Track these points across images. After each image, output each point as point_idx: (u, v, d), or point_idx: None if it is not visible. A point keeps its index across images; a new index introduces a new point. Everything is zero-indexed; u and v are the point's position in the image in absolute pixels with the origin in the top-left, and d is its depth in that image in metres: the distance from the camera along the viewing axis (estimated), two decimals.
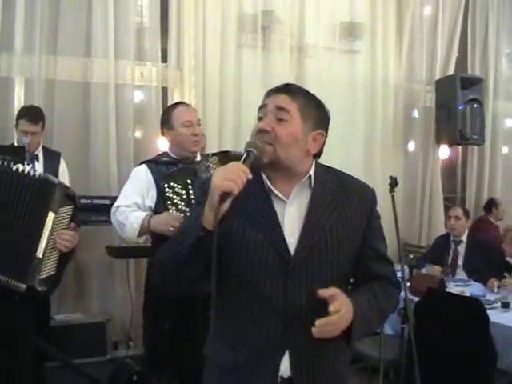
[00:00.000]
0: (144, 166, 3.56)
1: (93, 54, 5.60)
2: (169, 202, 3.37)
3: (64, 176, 4.86)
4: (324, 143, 1.99)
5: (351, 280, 2.05)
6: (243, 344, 1.89)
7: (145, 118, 5.97)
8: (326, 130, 1.99)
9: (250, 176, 1.77)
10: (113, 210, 3.56)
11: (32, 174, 2.80)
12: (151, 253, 3.46)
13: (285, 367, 1.88)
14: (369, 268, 2.01)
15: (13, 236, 2.70)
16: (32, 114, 4.66)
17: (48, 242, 2.72)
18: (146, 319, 3.85)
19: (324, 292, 1.77)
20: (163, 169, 3.52)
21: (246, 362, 1.88)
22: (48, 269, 2.76)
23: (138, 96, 5.99)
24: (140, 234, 3.47)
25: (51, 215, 2.72)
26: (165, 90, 5.99)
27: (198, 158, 3.64)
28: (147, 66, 5.90)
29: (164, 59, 5.98)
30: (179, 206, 3.39)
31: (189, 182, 3.40)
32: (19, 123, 4.60)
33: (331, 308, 1.74)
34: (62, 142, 5.38)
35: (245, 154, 1.82)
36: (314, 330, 1.75)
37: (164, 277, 1.95)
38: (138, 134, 5.94)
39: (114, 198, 4.65)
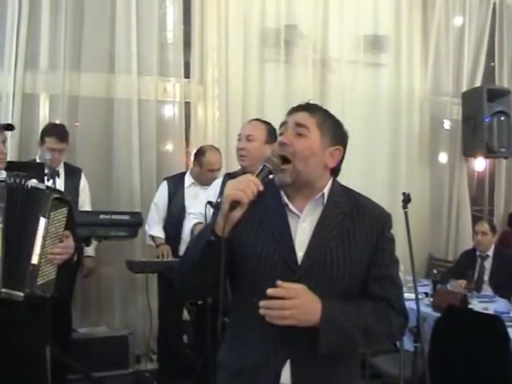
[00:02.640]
0: (221, 178, 3.79)
1: (116, 69, 5.66)
2: None
3: (85, 191, 4.94)
4: (342, 160, 2.04)
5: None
6: (248, 351, 1.95)
7: (168, 133, 6.00)
8: (344, 147, 2.04)
9: (262, 188, 1.86)
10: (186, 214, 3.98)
11: (21, 184, 2.80)
12: None
13: (287, 375, 1.91)
14: (371, 287, 2.00)
15: (4, 246, 2.72)
16: (59, 132, 4.78)
17: (43, 248, 2.74)
18: None
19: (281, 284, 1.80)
20: None
21: (250, 368, 1.94)
22: (46, 274, 2.77)
23: (161, 111, 6.02)
24: None
25: (42, 221, 2.74)
26: (188, 105, 6.02)
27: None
28: (170, 81, 5.94)
29: (187, 74, 6.00)
30: None
31: None
32: (46, 141, 4.69)
33: (271, 291, 1.78)
34: (85, 157, 5.45)
35: (260, 168, 1.93)
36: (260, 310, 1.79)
37: (181, 278, 2.04)
38: (161, 149, 5.96)
39: (134, 214, 4.73)
